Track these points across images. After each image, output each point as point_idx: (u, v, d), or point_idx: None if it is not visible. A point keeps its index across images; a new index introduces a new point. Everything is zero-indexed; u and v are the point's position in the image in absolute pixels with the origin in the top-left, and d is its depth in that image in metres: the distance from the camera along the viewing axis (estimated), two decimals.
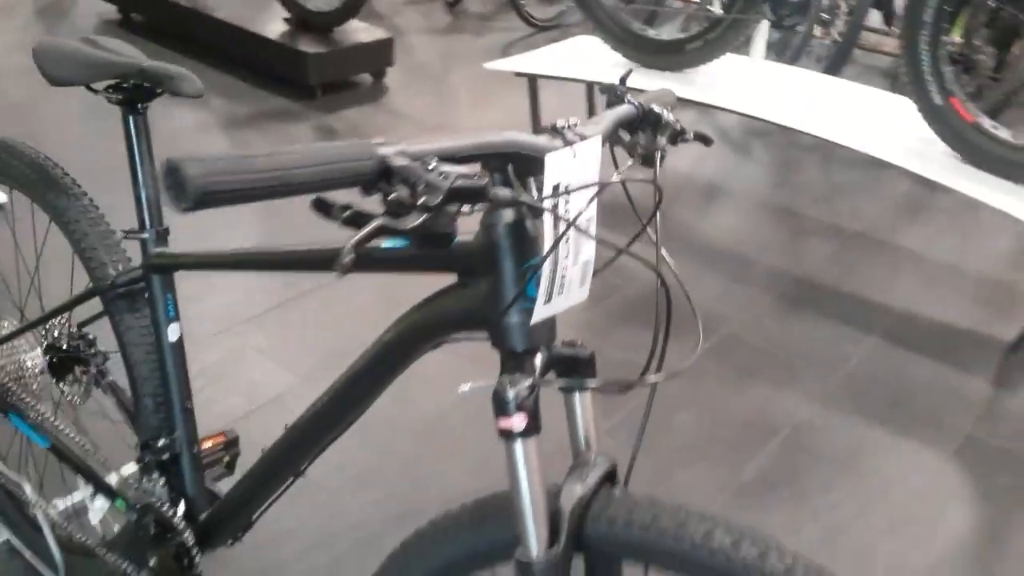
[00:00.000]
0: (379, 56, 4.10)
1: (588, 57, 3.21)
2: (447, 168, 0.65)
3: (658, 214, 0.79)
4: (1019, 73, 3.46)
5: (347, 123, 3.80)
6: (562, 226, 0.74)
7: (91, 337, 1.41)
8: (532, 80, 3.24)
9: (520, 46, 4.99)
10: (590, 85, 3.39)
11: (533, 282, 0.76)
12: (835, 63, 3.97)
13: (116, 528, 1.45)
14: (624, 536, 0.78)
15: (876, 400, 2.24)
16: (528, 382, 0.77)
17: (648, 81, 2.91)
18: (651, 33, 3.06)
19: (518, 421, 0.77)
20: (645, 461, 0.86)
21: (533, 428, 0.77)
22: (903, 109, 2.62)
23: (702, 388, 2.24)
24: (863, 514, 1.89)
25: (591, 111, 3.52)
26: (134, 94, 1.12)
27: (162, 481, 1.24)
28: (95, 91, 1.13)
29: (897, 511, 1.90)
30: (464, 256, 0.81)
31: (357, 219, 0.64)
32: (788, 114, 2.72)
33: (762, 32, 3.56)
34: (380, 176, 0.64)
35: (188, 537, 1.21)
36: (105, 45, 1.15)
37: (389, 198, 0.64)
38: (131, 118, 1.14)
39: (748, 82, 2.97)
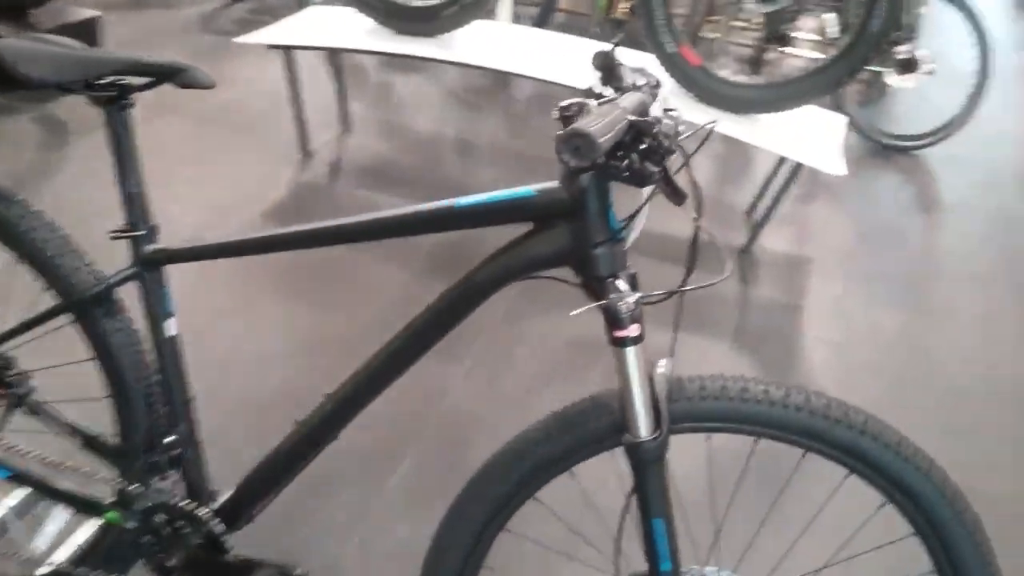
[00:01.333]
0: (85, 38, 3.77)
1: (339, 25, 3.27)
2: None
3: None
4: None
5: (74, 117, 3.49)
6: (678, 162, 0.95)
7: (7, 356, 1.33)
8: (287, 52, 3.23)
9: (222, 18, 4.85)
10: (333, 52, 3.48)
11: (614, 218, 0.98)
12: (540, 21, 4.41)
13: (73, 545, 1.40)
14: (705, 409, 1.02)
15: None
16: (635, 297, 0.97)
17: (402, 45, 3.07)
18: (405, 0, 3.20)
19: (634, 330, 0.96)
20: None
21: (641, 336, 0.98)
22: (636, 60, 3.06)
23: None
24: None
25: (339, 78, 3.60)
26: (120, 91, 1.10)
27: (177, 475, 1.24)
28: (70, 92, 1.09)
29: None
30: (545, 206, 0.99)
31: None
32: (535, 67, 3.01)
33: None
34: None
35: (216, 524, 1.24)
36: (62, 42, 1.10)
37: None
38: (119, 115, 1.11)
39: (497, 43, 3.23)
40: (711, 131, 0.97)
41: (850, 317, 2.74)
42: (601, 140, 0.75)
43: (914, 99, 4.12)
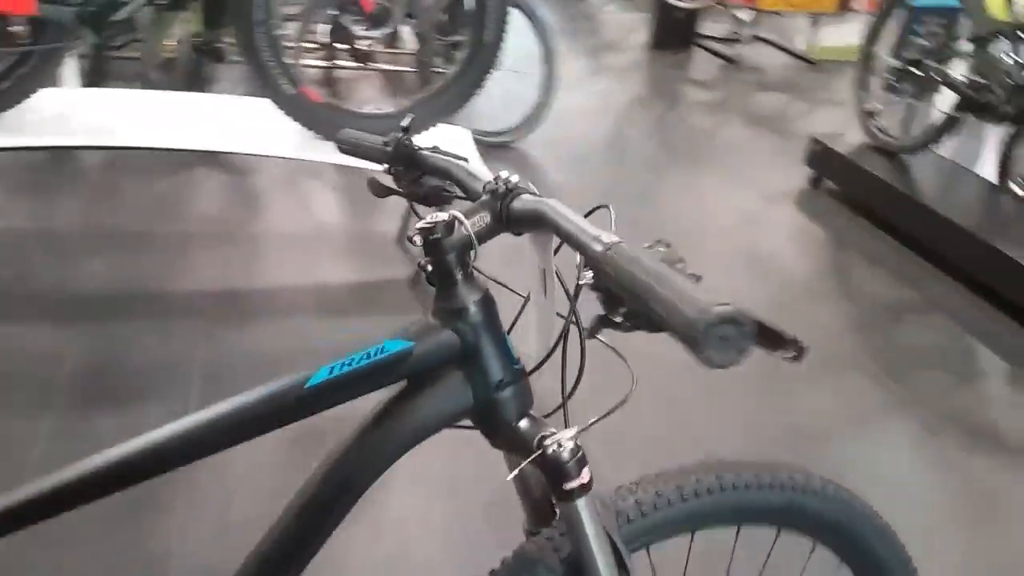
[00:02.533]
0: None
1: None
2: None
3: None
4: None
5: None
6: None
7: None
8: None
9: None
10: None
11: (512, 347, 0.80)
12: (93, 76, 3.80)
13: None
14: (646, 526, 0.88)
15: None
16: (572, 433, 0.78)
17: None
18: None
19: (585, 475, 0.78)
20: None
21: (591, 480, 0.80)
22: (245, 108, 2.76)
23: None
24: None
25: None
26: None
27: None
28: None
29: None
30: (429, 358, 0.78)
31: None
32: (146, 135, 2.59)
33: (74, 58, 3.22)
34: None
35: None
36: None
37: None
38: None
39: (76, 112, 2.69)
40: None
41: None
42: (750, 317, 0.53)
43: (501, 94, 4.33)
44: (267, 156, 2.85)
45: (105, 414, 2.10)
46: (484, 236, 0.77)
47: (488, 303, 0.79)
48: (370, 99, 3.13)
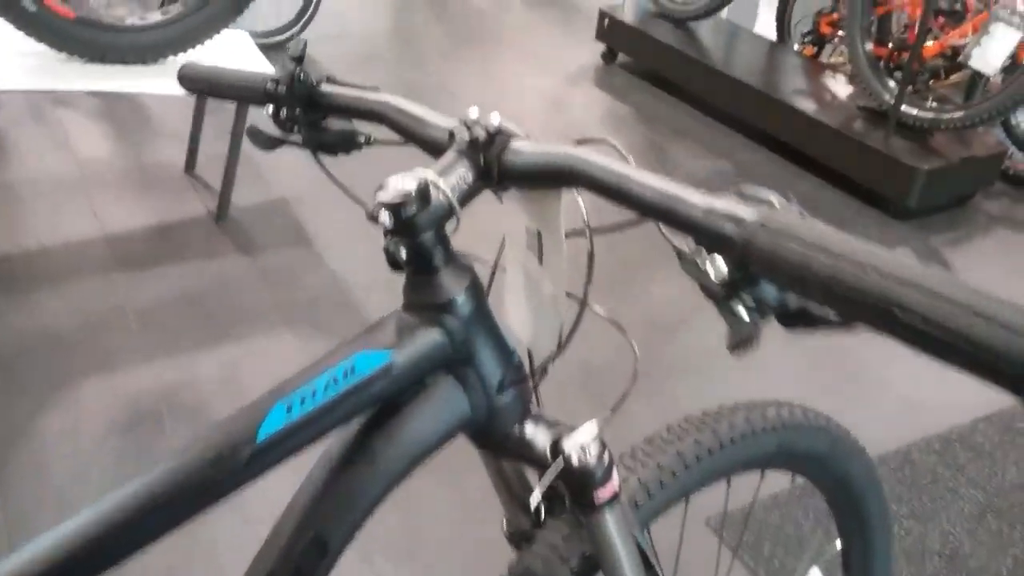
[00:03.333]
0: None
1: None
2: None
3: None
4: None
5: None
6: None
7: None
8: None
9: None
10: None
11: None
12: None
13: None
14: (657, 503, 0.78)
15: None
16: (595, 433, 0.64)
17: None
18: None
19: (613, 485, 0.65)
20: None
21: (619, 490, 0.67)
22: None
23: None
24: None
25: None
26: None
27: None
28: None
29: None
30: (413, 371, 0.60)
31: None
32: None
33: None
34: None
35: None
36: None
37: None
38: None
39: None
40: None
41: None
42: None
43: None
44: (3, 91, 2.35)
45: None
46: (464, 200, 0.59)
47: (476, 286, 0.62)
48: (120, 7, 2.64)
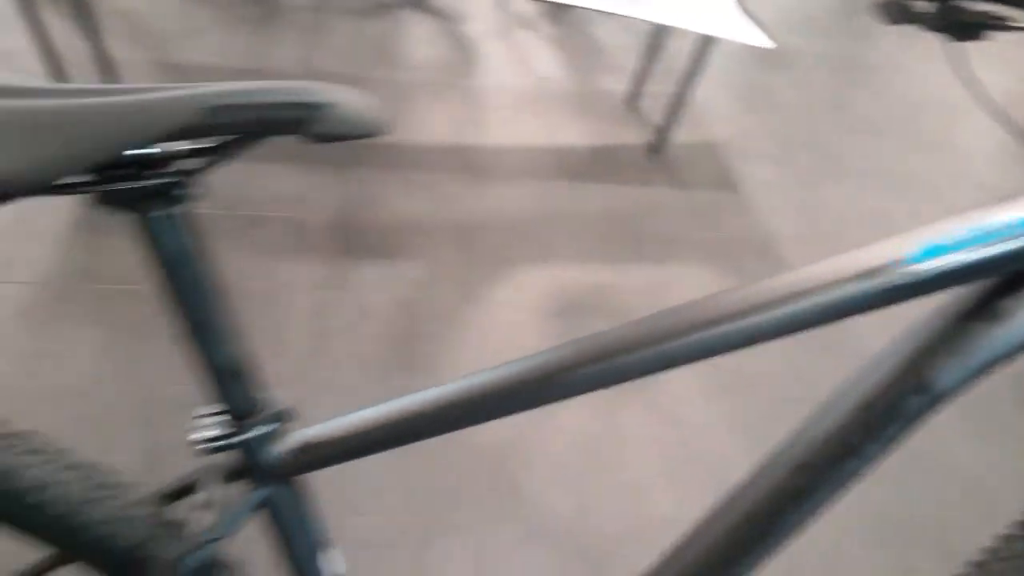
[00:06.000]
0: None
1: None
2: None
3: None
4: None
5: None
6: None
7: None
8: None
9: None
10: None
11: None
12: None
13: None
14: None
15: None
16: None
17: None
18: None
19: None
20: None
21: None
22: None
23: None
24: None
25: None
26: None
27: None
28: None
29: None
30: None
31: None
32: None
33: None
34: None
35: None
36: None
37: None
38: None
39: None
40: None
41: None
42: None
43: None
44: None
45: (365, 264, 2.01)
46: None
47: None
48: None
